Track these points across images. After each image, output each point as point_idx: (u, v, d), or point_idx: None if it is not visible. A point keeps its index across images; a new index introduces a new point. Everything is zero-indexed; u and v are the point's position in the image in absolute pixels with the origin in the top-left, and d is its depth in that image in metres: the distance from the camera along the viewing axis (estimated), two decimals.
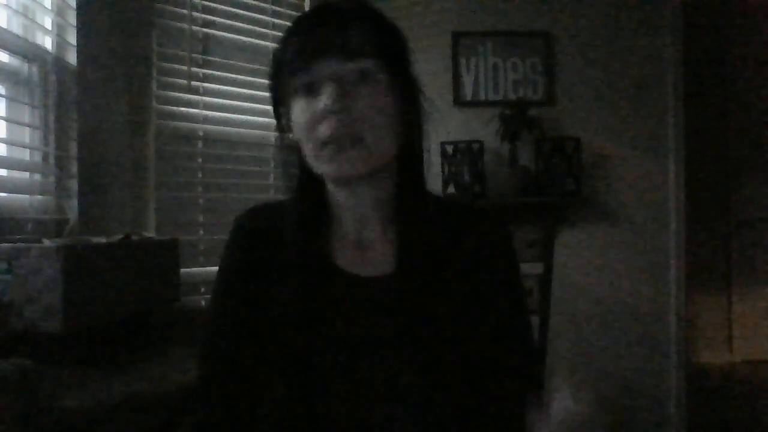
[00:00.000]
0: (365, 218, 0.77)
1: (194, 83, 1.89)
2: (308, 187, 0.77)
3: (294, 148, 0.76)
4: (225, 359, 0.75)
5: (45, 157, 1.45)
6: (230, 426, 0.74)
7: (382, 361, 0.70)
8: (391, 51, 0.73)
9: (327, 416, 0.69)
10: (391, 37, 0.74)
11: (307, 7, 2.22)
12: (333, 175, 0.73)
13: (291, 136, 0.76)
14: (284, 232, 0.76)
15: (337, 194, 0.77)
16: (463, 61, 2.60)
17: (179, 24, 1.86)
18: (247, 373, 0.74)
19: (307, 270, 0.74)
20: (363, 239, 0.77)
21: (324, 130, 0.69)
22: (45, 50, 1.46)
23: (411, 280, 0.73)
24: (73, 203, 1.49)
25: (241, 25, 2.04)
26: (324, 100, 0.69)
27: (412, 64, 0.77)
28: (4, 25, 1.33)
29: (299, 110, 0.72)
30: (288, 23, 2.28)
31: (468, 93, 2.61)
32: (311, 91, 0.71)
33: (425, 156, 0.79)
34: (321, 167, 0.73)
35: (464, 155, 2.44)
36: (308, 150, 0.72)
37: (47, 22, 1.48)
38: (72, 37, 1.52)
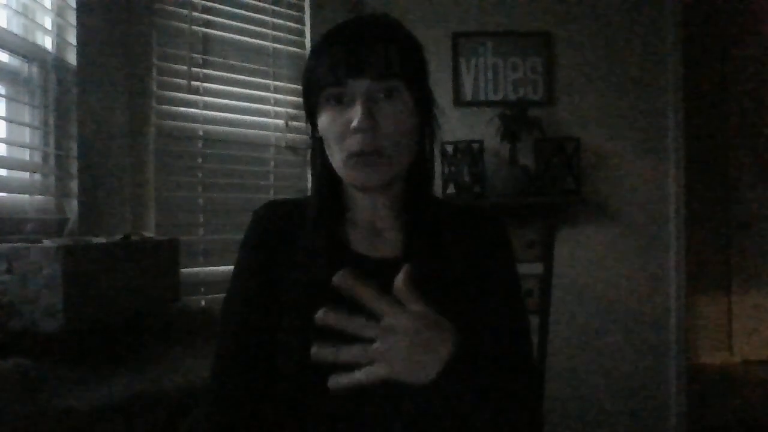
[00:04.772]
0: (378, 211, 0.87)
1: (194, 83, 1.89)
2: (327, 181, 0.87)
3: (321, 148, 0.85)
4: (245, 351, 0.82)
5: (45, 157, 1.45)
6: (246, 421, 0.80)
7: None
8: (415, 70, 0.82)
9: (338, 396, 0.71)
10: (416, 56, 0.83)
11: (307, 8, 2.23)
12: (356, 183, 0.82)
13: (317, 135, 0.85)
14: (302, 222, 0.86)
15: (354, 192, 0.86)
16: (463, 61, 2.60)
17: (179, 24, 1.86)
18: (266, 366, 0.80)
19: (327, 251, 0.83)
20: (375, 227, 0.87)
21: (352, 144, 0.79)
22: (45, 50, 1.46)
23: (416, 261, 0.77)
24: (73, 203, 1.49)
25: (241, 25, 2.03)
26: (354, 118, 0.77)
27: (429, 78, 0.86)
28: (4, 25, 1.33)
29: (329, 119, 0.81)
30: (288, 23, 2.28)
31: (468, 93, 2.61)
32: (340, 101, 0.80)
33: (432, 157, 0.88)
34: (346, 175, 0.82)
35: (464, 155, 2.44)
36: (335, 156, 0.82)
37: (47, 22, 1.48)
38: (72, 37, 1.52)
